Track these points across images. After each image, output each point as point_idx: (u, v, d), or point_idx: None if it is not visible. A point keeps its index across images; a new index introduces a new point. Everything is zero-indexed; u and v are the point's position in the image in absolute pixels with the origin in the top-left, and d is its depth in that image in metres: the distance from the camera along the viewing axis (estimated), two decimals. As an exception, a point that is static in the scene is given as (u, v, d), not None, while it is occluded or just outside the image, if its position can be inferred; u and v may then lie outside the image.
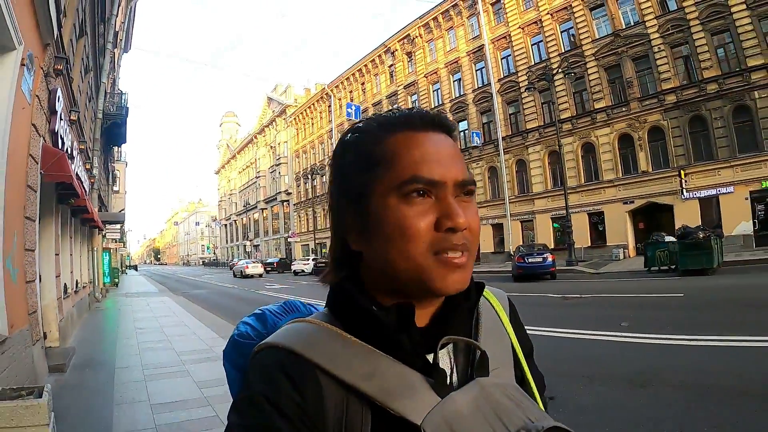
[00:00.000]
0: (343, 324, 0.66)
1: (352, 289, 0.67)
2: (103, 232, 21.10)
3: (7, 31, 4.75)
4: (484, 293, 0.77)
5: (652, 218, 25.17)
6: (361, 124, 0.71)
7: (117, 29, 19.63)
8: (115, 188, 30.56)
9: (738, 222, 22.44)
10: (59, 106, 7.36)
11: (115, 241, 28.57)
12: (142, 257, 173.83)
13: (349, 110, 33.38)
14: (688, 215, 23.03)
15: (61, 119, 7.61)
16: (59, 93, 7.38)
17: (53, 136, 7.45)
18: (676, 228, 19.20)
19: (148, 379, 6.26)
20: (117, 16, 17.86)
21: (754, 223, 22.29)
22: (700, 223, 22.62)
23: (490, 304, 0.79)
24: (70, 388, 5.82)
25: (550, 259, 18.60)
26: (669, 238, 18.18)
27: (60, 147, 7.76)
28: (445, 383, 0.64)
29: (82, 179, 11.37)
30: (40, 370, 5.94)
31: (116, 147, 27.94)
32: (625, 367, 5.62)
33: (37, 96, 6.11)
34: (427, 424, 0.58)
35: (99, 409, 5.01)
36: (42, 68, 6.36)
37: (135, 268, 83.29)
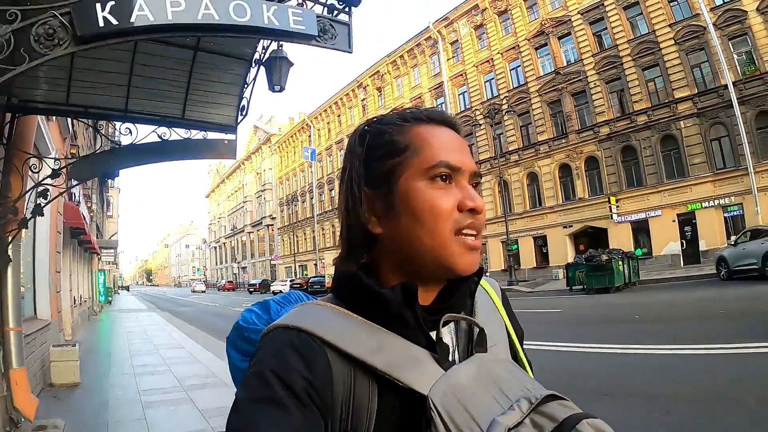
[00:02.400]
0: (348, 305, 0.69)
1: (361, 275, 0.70)
2: (100, 256, 23.75)
3: None
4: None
5: (592, 240, 27.02)
6: (380, 117, 0.77)
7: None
8: (109, 213, 32.80)
9: (666, 243, 24.44)
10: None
11: (109, 263, 31.13)
12: (134, 278, 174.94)
13: (306, 153, 36.08)
14: (620, 237, 25.33)
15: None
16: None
17: (69, 193, 10.25)
18: (609, 249, 21.52)
19: (133, 356, 9.82)
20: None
21: (681, 244, 24.15)
22: (633, 245, 25.27)
23: (485, 290, 0.84)
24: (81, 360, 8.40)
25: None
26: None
27: (72, 199, 10.70)
28: (448, 357, 0.68)
29: (84, 215, 14.27)
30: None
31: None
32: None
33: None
34: (434, 394, 0.61)
35: (101, 368, 8.28)
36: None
37: (127, 288, 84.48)
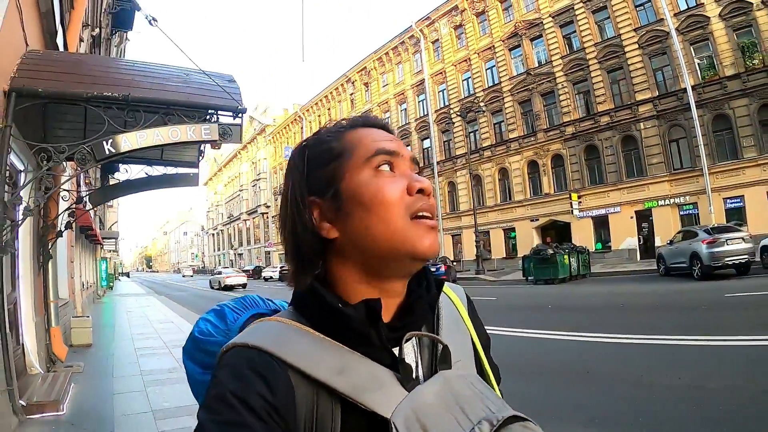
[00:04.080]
0: (309, 322, 0.68)
1: (319, 288, 0.69)
2: (102, 246, 26.32)
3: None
4: (443, 289, 0.80)
5: (557, 233, 29.00)
6: (315, 133, 0.78)
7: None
8: (109, 204, 35.06)
9: (624, 238, 26.01)
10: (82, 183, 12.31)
11: (110, 251, 33.74)
12: (134, 265, 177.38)
13: (287, 152, 38.49)
14: (582, 231, 27.21)
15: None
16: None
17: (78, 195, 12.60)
18: (573, 242, 23.72)
19: (132, 327, 12.43)
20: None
21: (639, 239, 25.69)
22: (593, 239, 27.20)
23: (449, 299, 0.82)
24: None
25: (443, 269, 23.03)
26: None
27: (79, 202, 13.26)
28: (411, 377, 0.66)
29: (90, 214, 16.78)
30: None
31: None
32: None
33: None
34: (396, 417, 0.60)
35: (107, 335, 10.73)
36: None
37: (127, 275, 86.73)
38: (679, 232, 17.93)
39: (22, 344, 5.25)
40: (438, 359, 0.71)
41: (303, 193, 0.72)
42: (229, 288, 32.27)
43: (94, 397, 5.61)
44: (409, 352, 0.71)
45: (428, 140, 37.28)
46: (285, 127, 59.63)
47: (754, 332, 6.57)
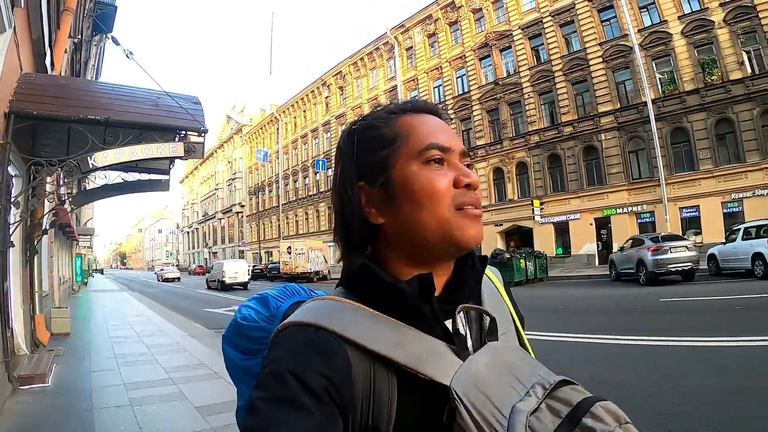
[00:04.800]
0: (361, 299, 0.69)
1: (372, 266, 0.71)
2: (78, 242, 26.90)
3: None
4: None
5: (521, 238, 29.67)
6: (366, 115, 0.79)
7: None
8: (86, 200, 36.01)
9: (584, 244, 26.99)
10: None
11: (85, 248, 34.42)
12: (108, 261, 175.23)
13: (259, 155, 39.76)
14: (544, 237, 28.14)
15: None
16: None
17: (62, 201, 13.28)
18: (535, 247, 24.77)
19: (106, 320, 13.25)
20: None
21: (597, 245, 26.58)
22: (554, 244, 28.13)
23: (488, 277, 0.85)
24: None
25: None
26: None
27: (62, 204, 13.90)
28: (465, 348, 0.70)
29: (67, 209, 17.53)
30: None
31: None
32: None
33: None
34: (456, 384, 0.62)
35: (83, 326, 11.52)
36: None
37: (101, 272, 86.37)
38: (628, 240, 18.70)
39: (12, 328, 6.06)
40: (486, 331, 0.74)
41: (352, 177, 0.74)
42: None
43: (75, 374, 6.49)
44: (459, 324, 0.72)
45: (400, 145, 38.21)
46: (261, 128, 60.19)
47: (671, 333, 7.17)
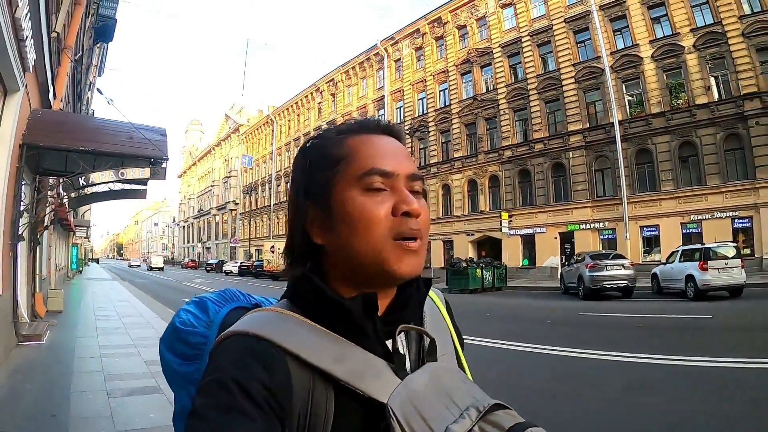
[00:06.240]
0: (305, 313, 0.69)
1: (318, 281, 0.70)
2: (74, 233, 28.97)
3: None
4: None
5: (491, 248, 30.82)
6: (320, 133, 0.78)
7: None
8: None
9: (548, 257, 28.16)
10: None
11: (82, 238, 36.52)
12: (105, 251, 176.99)
13: (244, 160, 42.13)
14: (512, 248, 29.48)
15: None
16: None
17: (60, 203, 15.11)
18: (503, 257, 26.32)
19: (95, 302, 15.54)
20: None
21: (561, 258, 27.19)
22: (521, 255, 29.42)
23: (431, 299, 0.86)
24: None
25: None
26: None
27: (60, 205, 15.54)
28: (404, 367, 0.70)
29: (65, 202, 19.42)
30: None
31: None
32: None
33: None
34: (392, 402, 0.63)
35: (75, 306, 13.37)
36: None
37: (97, 261, 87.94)
38: (577, 255, 19.56)
39: (17, 300, 8.04)
40: (425, 352, 0.74)
41: (300, 194, 0.74)
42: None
43: (64, 337, 8.59)
44: (399, 344, 0.73)
45: (384, 154, 40.12)
46: (257, 129, 62.24)
47: (572, 345, 7.92)
